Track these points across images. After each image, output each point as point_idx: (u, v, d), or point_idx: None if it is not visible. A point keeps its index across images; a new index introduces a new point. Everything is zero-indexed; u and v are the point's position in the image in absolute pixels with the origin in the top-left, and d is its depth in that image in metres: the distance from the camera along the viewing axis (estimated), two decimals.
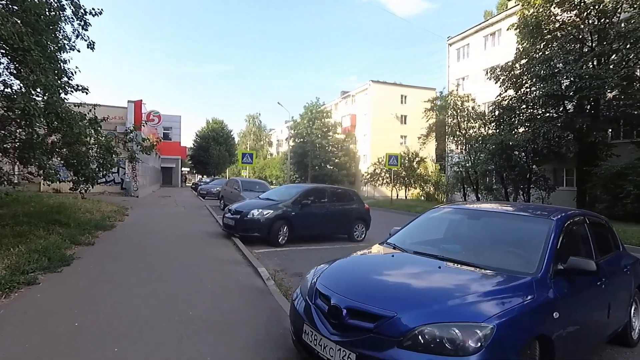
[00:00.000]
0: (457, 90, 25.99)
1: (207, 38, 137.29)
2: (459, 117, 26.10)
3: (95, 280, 5.14)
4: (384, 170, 35.21)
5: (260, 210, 9.04)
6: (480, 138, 23.28)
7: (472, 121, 25.12)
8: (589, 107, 17.71)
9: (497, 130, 22.14)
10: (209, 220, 13.13)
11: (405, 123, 48.09)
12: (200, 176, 57.15)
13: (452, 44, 35.53)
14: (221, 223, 11.49)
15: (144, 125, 18.30)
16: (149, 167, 25.70)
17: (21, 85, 6.32)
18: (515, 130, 19.21)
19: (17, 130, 6.72)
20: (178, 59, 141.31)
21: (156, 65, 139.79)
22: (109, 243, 7.84)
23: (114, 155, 8.92)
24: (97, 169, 8.54)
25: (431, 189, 35.15)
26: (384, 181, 35.60)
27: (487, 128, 23.71)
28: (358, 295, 2.69)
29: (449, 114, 26.83)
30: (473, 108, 25.61)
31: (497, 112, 21.89)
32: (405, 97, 48.31)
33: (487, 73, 22.73)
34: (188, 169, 62.80)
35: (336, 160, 46.34)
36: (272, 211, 9.07)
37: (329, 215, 10.14)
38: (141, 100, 20.45)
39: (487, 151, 19.53)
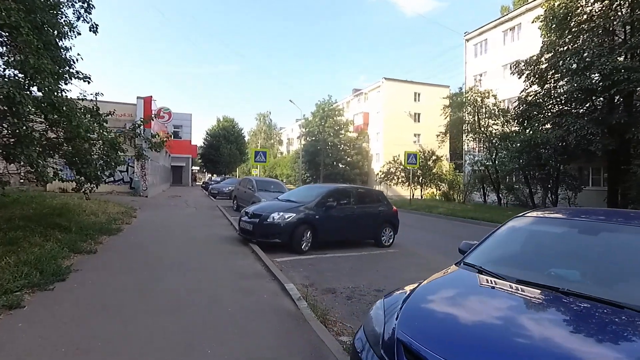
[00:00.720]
0: (478, 86, 24.73)
1: (216, 38, 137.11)
2: (478, 113, 24.93)
3: (91, 304, 4.21)
4: (399, 169, 34.09)
5: (281, 213, 8.11)
6: (504, 136, 22.11)
7: (493, 118, 23.93)
8: (620, 102, 16.48)
9: (522, 128, 20.97)
10: (222, 222, 12.24)
11: (418, 121, 46.88)
12: (211, 175, 56.59)
13: (469, 39, 34.33)
14: (236, 226, 10.65)
15: (152, 120, 17.48)
16: (158, 166, 25.01)
17: (5, 67, 5.45)
18: (542, 127, 18.01)
19: (4, 124, 5.84)
20: (186, 59, 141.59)
21: (159, 66, 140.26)
22: (112, 251, 6.97)
23: (119, 152, 8.04)
24: (100, 168, 7.67)
25: (445, 188, 33.93)
26: (399, 180, 34.47)
27: (510, 125, 22.53)
28: None
29: (468, 111, 25.67)
30: (494, 104, 24.44)
31: (521, 108, 20.69)
32: (419, 94, 47.10)
33: (510, 68, 21.66)
34: (198, 168, 62.35)
35: (348, 159, 45.31)
36: (294, 214, 8.13)
37: (355, 219, 9.18)
38: (151, 96, 19.70)
39: (513, 149, 18.36)
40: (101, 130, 7.76)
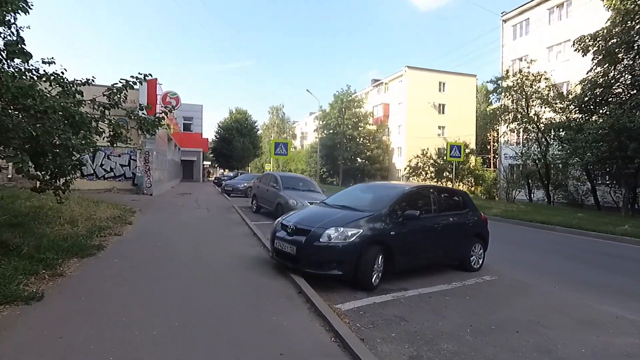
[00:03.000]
0: (529, 67, 21.47)
1: (229, 33, 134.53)
2: (528, 100, 21.69)
3: None
4: (428, 164, 31.05)
5: (341, 229, 5.27)
6: (557, 125, 18.96)
7: (546, 104, 20.70)
8: None
9: (588, 115, 17.80)
10: (242, 231, 9.50)
11: (443, 112, 43.72)
12: (223, 170, 54.18)
13: (506, 20, 31.02)
14: (261, 237, 7.93)
15: (167, 115, 14.90)
16: (166, 160, 22.44)
17: None
18: (620, 112, 14.82)
19: None
20: (199, 54, 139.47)
21: (166, 60, 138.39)
22: (74, 293, 4.25)
23: (88, 134, 5.31)
24: (62, 157, 4.94)
25: (486, 185, 30.78)
26: (428, 176, 31.42)
27: (570, 112, 19.31)
28: None
29: (513, 97, 22.42)
30: (549, 88, 21.21)
31: (590, 92, 17.47)
32: (444, 84, 43.86)
33: (573, 44, 18.31)
34: (209, 163, 59.97)
35: (368, 153, 42.34)
36: (359, 230, 5.29)
37: (441, 233, 6.31)
38: (156, 79, 17.04)
39: (580, 139, 15.19)
40: (66, 103, 5.04)
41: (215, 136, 48.19)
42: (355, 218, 5.55)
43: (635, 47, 15.50)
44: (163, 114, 7.09)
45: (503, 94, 22.63)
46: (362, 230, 5.29)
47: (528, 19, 29.09)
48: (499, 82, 22.29)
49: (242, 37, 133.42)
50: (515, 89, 21.80)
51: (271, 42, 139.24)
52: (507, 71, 22.99)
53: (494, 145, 47.18)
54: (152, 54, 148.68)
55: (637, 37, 15.23)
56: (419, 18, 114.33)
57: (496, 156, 48.17)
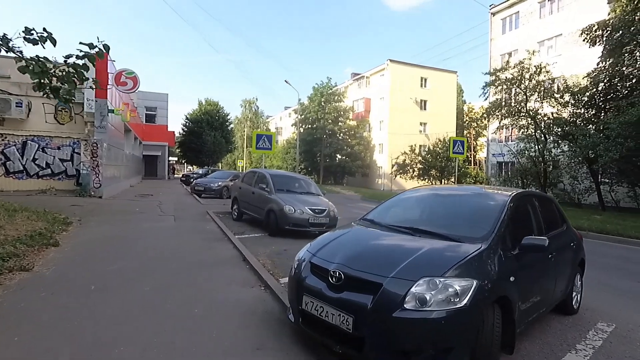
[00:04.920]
0: (530, 58, 19.80)
1: (199, 23, 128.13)
2: (527, 93, 19.99)
3: None
4: (417, 161, 29.15)
5: (441, 280, 2.70)
6: (558, 121, 17.53)
7: (549, 99, 19.09)
8: None
9: (597, 111, 16.39)
10: (227, 254, 6.71)
11: (424, 109, 42.23)
12: (191, 166, 50.15)
13: (495, 13, 29.60)
14: (254, 263, 5.22)
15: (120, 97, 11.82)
16: (123, 154, 18.93)
17: None
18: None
19: None
20: (167, 46, 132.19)
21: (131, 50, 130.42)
22: None
23: None
24: None
25: (449, 181, 29.22)
26: (415, 173, 29.54)
27: (576, 108, 17.83)
28: None
29: (512, 91, 20.72)
30: (550, 82, 19.63)
31: (603, 84, 16.04)
32: (426, 80, 42.39)
33: (581, 34, 16.80)
34: (176, 158, 55.56)
35: (349, 149, 39.97)
36: (470, 281, 2.73)
37: (554, 267, 4.02)
38: (107, 53, 13.68)
39: (614, 132, 13.50)
40: None
41: (183, 129, 44.14)
42: (453, 255, 3.01)
43: None
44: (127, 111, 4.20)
45: (499, 87, 20.82)
46: (475, 281, 2.74)
47: (518, 12, 27.86)
48: (498, 73, 20.42)
49: (216, 28, 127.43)
50: (514, 81, 20.05)
51: (247, 36, 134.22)
52: (508, 62, 21.20)
53: (473, 143, 46.34)
54: (114, 40, 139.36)
55: None
56: (396, 16, 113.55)
57: (476, 154, 47.46)
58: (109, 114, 13.82)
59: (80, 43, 4.78)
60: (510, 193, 4.07)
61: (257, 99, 74.95)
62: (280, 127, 64.94)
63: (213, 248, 6.93)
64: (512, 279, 3.09)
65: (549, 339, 3.76)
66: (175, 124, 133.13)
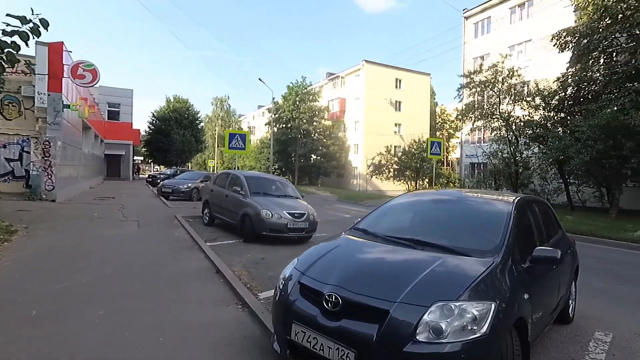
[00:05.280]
0: (503, 62, 20.13)
1: (173, 20, 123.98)
2: (500, 96, 20.32)
3: None
4: (392, 162, 29.15)
5: (456, 305, 2.28)
6: (528, 122, 17.95)
7: (521, 102, 19.45)
8: None
9: (567, 114, 16.85)
10: (197, 265, 6.04)
11: (399, 110, 42.52)
12: (158, 166, 48.12)
13: (468, 17, 30.11)
14: (239, 286, 4.56)
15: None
16: (81, 153, 17.57)
17: None
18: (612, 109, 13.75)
19: None
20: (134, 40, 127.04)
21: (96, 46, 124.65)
22: None
23: None
24: None
25: (424, 182, 29.52)
26: (391, 174, 29.53)
27: (545, 111, 18.25)
28: None
29: (485, 93, 21.02)
30: (522, 85, 20.02)
31: (572, 89, 16.52)
32: (400, 81, 42.70)
33: (552, 39, 17.20)
34: (142, 158, 53.16)
35: (324, 149, 39.55)
36: (488, 304, 2.31)
37: (558, 277, 3.75)
38: (62, 42, 12.50)
39: (584, 135, 13.78)
40: None
41: (150, 127, 42.17)
42: (465, 273, 2.61)
43: (616, 45, 14.67)
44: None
45: (474, 89, 21.06)
46: (493, 304, 2.33)
47: (490, 17, 28.46)
48: (472, 76, 20.62)
49: (185, 23, 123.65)
50: (487, 84, 20.33)
51: (219, 33, 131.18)
52: (482, 65, 21.46)
53: (446, 144, 47.24)
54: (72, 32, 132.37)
55: (618, 34, 14.24)
56: (370, 18, 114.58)
57: (448, 155, 48.42)
58: (65, 109, 12.62)
59: (8, 15, 3.78)
60: (512, 199, 3.73)
61: (228, 97, 73.24)
62: (253, 126, 63.70)
63: (182, 258, 6.23)
64: (526, 296, 2.73)
65: (552, 353, 3.52)
66: (141, 122, 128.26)
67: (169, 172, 26.65)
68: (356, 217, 14.82)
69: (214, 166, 54.87)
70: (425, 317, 2.23)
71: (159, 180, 22.48)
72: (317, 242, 8.43)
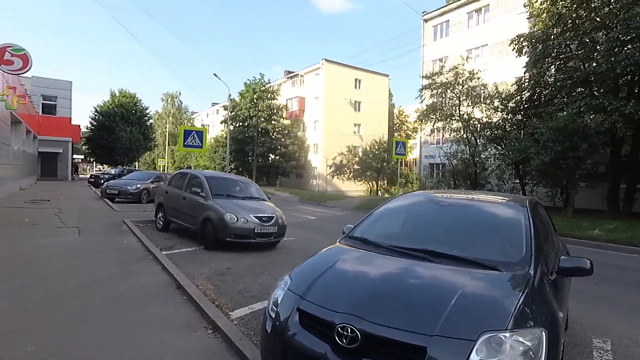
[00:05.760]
0: (464, 64, 20.70)
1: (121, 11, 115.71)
2: (460, 97, 20.92)
3: None
4: (353, 162, 29.10)
5: (507, 336, 1.83)
6: (486, 125, 18.56)
7: (480, 103, 20.12)
8: None
9: (525, 117, 17.54)
10: (153, 281, 5.22)
11: (359, 110, 42.85)
12: (102, 166, 44.56)
13: (427, 20, 30.74)
14: (208, 308, 3.80)
15: None
16: (8, 150, 15.44)
17: None
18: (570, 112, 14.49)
19: None
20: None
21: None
22: None
23: None
24: None
25: (383, 183, 30.04)
26: (352, 174, 29.48)
27: (504, 113, 18.88)
28: None
29: (448, 94, 21.50)
30: (481, 87, 20.67)
31: (528, 92, 17.18)
32: (360, 81, 43.07)
33: (510, 43, 17.75)
34: (83, 156, 48.97)
35: (283, 149, 38.73)
36: (538, 331, 1.90)
37: (568, 288, 3.63)
38: None
39: (544, 137, 14.28)
40: None
41: (92, 123, 38.79)
42: (504, 292, 2.22)
43: (567, 52, 15.47)
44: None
45: (434, 91, 21.48)
46: (543, 330, 1.92)
47: (448, 20, 29.06)
48: (434, 77, 21.02)
49: (133, 12, 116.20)
50: (448, 85, 20.81)
51: (170, 26, 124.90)
52: (443, 66, 21.91)
53: None
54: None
55: (570, 42, 15.01)
56: (327, 19, 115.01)
57: (406, 155, 49.65)
58: None
59: None
60: (521, 200, 3.40)
61: (180, 93, 69.68)
62: (207, 124, 61.17)
63: (134, 272, 5.34)
64: (561, 314, 2.36)
65: None
66: (82, 118, 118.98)
67: (114, 172, 24.48)
68: (322, 218, 14.30)
69: (165, 166, 51.98)
70: (474, 355, 1.75)
71: (102, 181, 20.51)
72: (286, 247, 7.90)
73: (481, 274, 2.31)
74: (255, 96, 37.20)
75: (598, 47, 14.16)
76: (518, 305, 1.97)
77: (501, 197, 3.70)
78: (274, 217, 7.53)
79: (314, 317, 2.12)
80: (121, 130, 36.13)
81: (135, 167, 49.38)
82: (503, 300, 2.07)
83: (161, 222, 8.99)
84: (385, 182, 33.22)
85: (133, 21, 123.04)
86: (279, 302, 2.35)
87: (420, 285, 2.29)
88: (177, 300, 4.29)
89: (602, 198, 14.69)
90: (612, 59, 11.97)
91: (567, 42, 14.76)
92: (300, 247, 8.01)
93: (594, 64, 12.75)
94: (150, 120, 45.09)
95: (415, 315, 1.97)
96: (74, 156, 36.54)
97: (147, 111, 41.93)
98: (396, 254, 2.65)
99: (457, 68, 20.47)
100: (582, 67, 14.54)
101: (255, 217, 7.28)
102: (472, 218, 3.18)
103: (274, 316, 2.30)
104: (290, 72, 45.19)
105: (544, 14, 15.20)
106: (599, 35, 14.08)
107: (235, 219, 7.06)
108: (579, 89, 14.41)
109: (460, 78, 20.44)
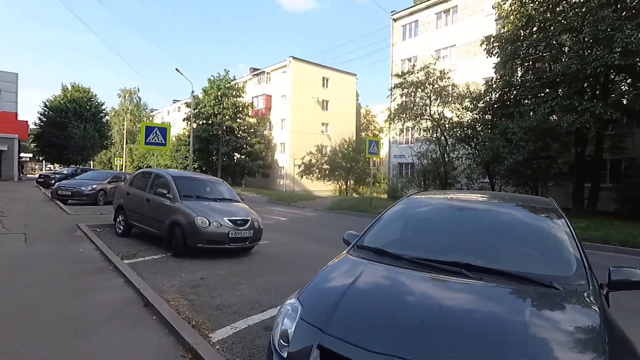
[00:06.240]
0: (435, 63, 20.91)
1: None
2: (431, 97, 21.14)
3: None
4: (323, 161, 28.79)
5: None
6: (473, 124, 18.70)
7: (451, 103, 20.43)
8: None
9: (497, 118, 17.86)
10: (115, 297, 4.55)
11: (326, 109, 42.64)
12: (52, 165, 41.41)
13: (397, 19, 30.89)
14: (181, 326, 3.21)
15: None
16: None
17: None
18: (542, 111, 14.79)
19: None
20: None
21: None
22: None
23: None
24: None
25: (351, 183, 30.03)
26: (322, 174, 29.16)
27: (474, 113, 19.19)
28: None
29: (418, 94, 21.65)
30: (455, 87, 20.92)
31: (495, 94, 17.48)
32: (327, 80, 42.86)
33: (481, 44, 17.94)
34: (31, 155, 45.24)
35: (248, 148, 37.73)
36: None
37: None
38: None
39: (517, 136, 14.46)
40: None
41: (41, 119, 35.83)
42: (581, 318, 1.81)
43: (534, 53, 15.83)
44: None
45: (405, 90, 21.58)
46: None
47: (417, 20, 29.06)
48: (405, 76, 21.09)
49: (89, 3, 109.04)
50: (419, 84, 20.94)
51: (128, 19, 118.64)
52: (414, 65, 21.97)
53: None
54: None
55: (537, 43, 15.35)
56: (291, 17, 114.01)
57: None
58: None
59: None
60: (548, 202, 3.03)
61: (138, 90, 66.20)
62: (168, 122, 58.62)
63: (92, 286, 4.63)
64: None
65: None
66: (31, 113, 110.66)
67: (66, 172, 22.61)
68: (294, 220, 13.57)
69: (122, 165, 49.18)
70: None
71: (53, 181, 18.81)
72: (261, 252, 7.33)
73: (538, 293, 1.93)
74: (219, 93, 35.95)
75: (565, 49, 14.66)
76: (603, 336, 1.60)
77: (522, 199, 3.37)
78: (249, 220, 6.97)
79: (342, 358, 1.62)
80: (74, 127, 33.65)
81: (90, 166, 46.42)
82: (583, 328, 1.70)
83: (121, 227, 8.14)
84: (353, 182, 33.21)
85: (87, 11, 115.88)
86: (290, 335, 1.85)
87: (475, 311, 1.84)
88: (146, 321, 3.68)
89: (567, 197, 15.21)
90: (582, 60, 12.24)
91: (535, 44, 15.04)
92: (277, 251, 7.49)
93: (565, 65, 12.95)
94: (107, 117, 42.46)
95: (485, 355, 1.52)
96: (21, 154, 33.54)
97: (103, 107, 39.42)
98: (424, 268, 2.20)
99: (428, 67, 20.64)
100: (549, 68, 14.94)
101: (229, 220, 6.69)
102: (500, 224, 2.75)
103: (285, 356, 1.78)
104: (255, 70, 44.16)
105: (512, 16, 15.47)
106: (564, 38, 14.52)
107: (207, 223, 6.45)
108: (547, 90, 14.68)
109: (431, 77, 20.63)
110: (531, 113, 13.71)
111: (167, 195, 7.10)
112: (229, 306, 4.15)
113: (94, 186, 14.33)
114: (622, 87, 14.11)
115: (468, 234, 2.69)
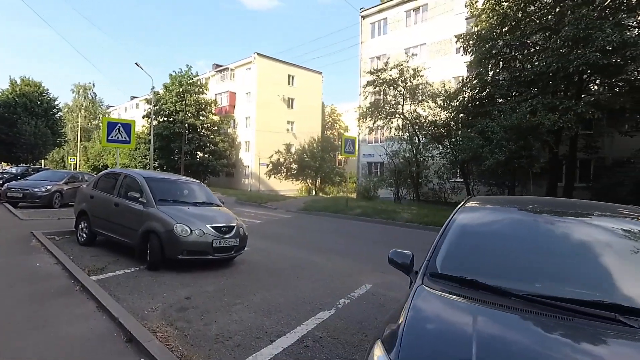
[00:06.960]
0: (408, 61, 20.90)
1: None
2: (403, 95, 21.11)
3: None
4: (292, 160, 28.21)
5: None
6: (448, 122, 18.74)
7: (425, 102, 20.41)
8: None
9: (472, 116, 18.00)
10: (91, 332, 3.84)
11: (292, 107, 42.08)
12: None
13: (365, 17, 30.65)
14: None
15: None
16: None
17: None
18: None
19: None
20: None
21: None
22: None
23: None
24: None
25: (318, 182, 29.72)
26: (290, 173, 28.57)
27: (448, 111, 19.14)
28: None
29: (391, 92, 21.52)
30: (428, 85, 20.90)
31: (469, 92, 17.53)
32: (293, 77, 42.28)
33: (457, 41, 17.80)
34: None
35: (212, 146, 36.32)
36: None
37: None
38: None
39: (498, 136, 14.42)
40: None
41: None
42: None
43: (508, 53, 15.89)
44: None
45: (377, 88, 21.45)
46: None
47: (386, 18, 28.62)
48: (379, 73, 20.89)
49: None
50: (391, 82, 20.82)
51: (83, 11, 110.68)
52: (387, 63, 21.76)
53: (336, 143, 48.66)
54: None
55: (512, 42, 15.34)
56: (252, 14, 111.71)
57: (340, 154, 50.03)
58: None
59: None
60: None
61: (94, 85, 61.95)
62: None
63: (55, 315, 3.86)
64: None
65: None
66: None
67: (16, 171, 20.46)
68: (270, 222, 12.72)
69: (76, 164, 45.90)
70: None
71: (1, 182, 16.92)
72: (245, 262, 6.70)
73: None
74: (181, 89, 34.27)
75: (537, 48, 14.80)
76: None
77: (615, 208, 2.74)
78: (234, 226, 6.34)
79: None
80: (24, 123, 30.89)
81: (42, 165, 42.90)
82: None
83: (84, 235, 7.23)
84: (320, 182, 32.84)
85: (43, 3, 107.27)
86: None
87: None
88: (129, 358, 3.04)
89: (542, 196, 15.61)
90: (562, 59, 12.29)
91: (510, 43, 14.95)
92: (262, 260, 6.88)
93: (543, 64, 12.92)
94: (60, 113, 39.35)
95: None
96: None
97: (56, 103, 36.46)
98: (556, 311, 1.68)
99: (402, 65, 20.57)
100: (522, 67, 14.88)
101: (213, 227, 6.04)
102: (614, 243, 2.17)
103: None
104: (219, 66, 42.68)
105: (484, 15, 15.39)
106: (537, 38, 14.55)
107: (189, 231, 5.77)
108: (524, 89, 14.52)
109: (404, 75, 20.55)
110: (512, 112, 13.59)
111: (140, 199, 6.31)
112: (230, 336, 3.54)
113: (49, 187, 12.95)
114: (593, 87, 14.47)
115: (576, 256, 2.12)
